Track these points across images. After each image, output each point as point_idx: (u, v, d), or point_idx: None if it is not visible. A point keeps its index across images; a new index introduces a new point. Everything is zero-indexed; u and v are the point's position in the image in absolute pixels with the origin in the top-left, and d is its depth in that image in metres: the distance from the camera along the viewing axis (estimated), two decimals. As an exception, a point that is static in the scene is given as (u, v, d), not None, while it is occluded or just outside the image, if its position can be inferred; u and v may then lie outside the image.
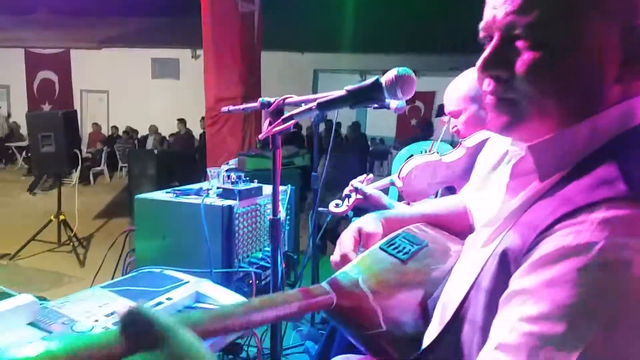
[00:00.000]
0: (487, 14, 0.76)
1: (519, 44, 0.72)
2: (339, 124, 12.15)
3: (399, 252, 1.09)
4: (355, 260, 1.08)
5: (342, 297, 0.95)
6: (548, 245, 0.62)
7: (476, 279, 0.76)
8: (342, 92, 1.19)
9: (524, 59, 0.72)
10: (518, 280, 0.65)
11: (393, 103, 1.21)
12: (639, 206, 0.59)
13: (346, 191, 1.98)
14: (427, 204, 1.72)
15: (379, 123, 13.41)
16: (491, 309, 0.69)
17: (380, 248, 1.11)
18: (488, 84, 0.78)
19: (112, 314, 1.50)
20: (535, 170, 0.76)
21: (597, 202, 0.61)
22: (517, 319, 0.62)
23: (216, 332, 0.64)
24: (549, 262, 0.61)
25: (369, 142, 13.11)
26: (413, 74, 1.08)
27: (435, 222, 1.25)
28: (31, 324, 1.40)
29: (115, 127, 14.42)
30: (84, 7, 10.58)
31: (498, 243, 0.73)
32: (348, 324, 0.85)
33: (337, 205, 1.96)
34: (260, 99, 1.59)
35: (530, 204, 0.73)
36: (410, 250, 1.10)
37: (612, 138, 0.69)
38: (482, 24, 0.77)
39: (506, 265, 0.69)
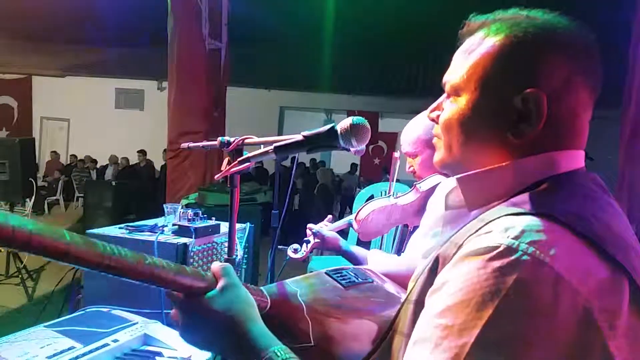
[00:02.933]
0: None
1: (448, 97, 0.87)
2: (313, 161, 12.23)
3: (342, 279, 1.15)
4: (300, 277, 1.14)
5: (278, 304, 0.99)
6: (458, 253, 0.70)
7: (408, 295, 0.82)
8: (299, 137, 1.20)
9: (443, 107, 0.87)
10: (432, 286, 0.73)
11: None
12: (535, 217, 0.68)
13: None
14: (387, 259, 1.75)
15: (344, 161, 13.53)
16: (416, 319, 0.74)
17: (326, 273, 1.16)
18: (433, 126, 0.92)
19: (54, 355, 1.44)
20: (464, 201, 0.86)
21: (502, 216, 0.71)
22: (428, 314, 0.69)
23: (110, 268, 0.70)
24: (456, 263, 0.69)
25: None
26: (367, 124, 1.11)
27: (394, 278, 1.31)
28: (-35, 366, 1.32)
29: (74, 156, 14.11)
30: (48, 34, 10.45)
31: (430, 261, 0.79)
32: (278, 333, 0.84)
33: (295, 251, 1.96)
34: (220, 138, 1.59)
35: (460, 228, 0.79)
36: (354, 280, 1.16)
37: (536, 181, 0.77)
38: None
39: (431, 279, 0.75)
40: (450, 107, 0.84)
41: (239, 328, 0.80)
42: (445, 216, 0.91)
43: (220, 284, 0.84)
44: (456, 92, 0.83)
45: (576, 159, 0.80)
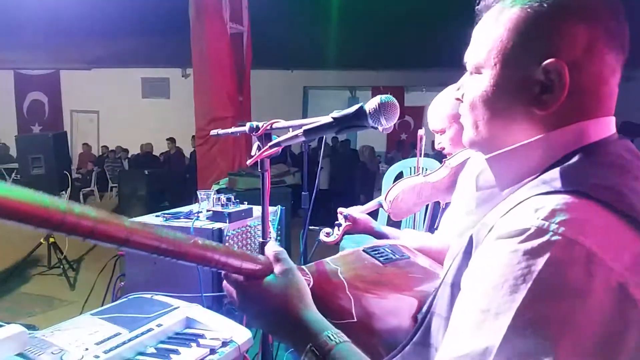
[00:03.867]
0: None
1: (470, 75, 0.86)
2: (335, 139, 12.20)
3: (380, 256, 1.16)
4: (338, 255, 1.17)
5: (321, 282, 1.02)
6: (489, 236, 0.70)
7: (444, 277, 0.83)
8: (328, 119, 1.21)
9: (466, 86, 0.86)
10: (467, 269, 0.73)
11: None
12: (565, 196, 0.67)
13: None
14: (420, 237, 1.75)
15: (370, 137, 13.46)
16: (453, 301, 0.75)
17: (364, 250, 1.17)
18: (459, 104, 0.91)
19: (102, 341, 1.50)
20: (495, 181, 0.85)
21: (532, 196, 0.70)
22: (465, 298, 0.70)
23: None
24: (487, 246, 0.69)
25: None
26: (396, 101, 1.10)
27: (428, 254, 1.32)
28: (20, 354, 1.39)
29: (105, 147, 14.36)
30: (73, 28, 10.60)
31: (464, 243, 0.79)
32: (320, 310, 0.86)
33: (327, 234, 1.96)
34: (249, 123, 1.60)
35: (491, 209, 0.78)
36: (391, 257, 1.17)
37: (567, 154, 0.75)
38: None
39: (466, 260, 0.76)
40: (473, 84, 0.84)
41: (294, 313, 0.83)
42: (478, 197, 0.90)
43: (278, 268, 0.86)
44: (477, 69, 0.83)
45: (606, 127, 0.78)
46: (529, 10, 0.76)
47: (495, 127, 0.82)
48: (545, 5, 0.75)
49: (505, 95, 0.79)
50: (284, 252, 0.89)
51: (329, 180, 10.47)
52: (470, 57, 0.84)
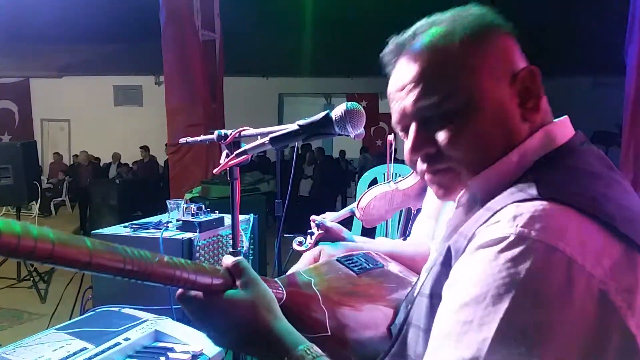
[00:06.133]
0: (395, 111, 0.84)
1: (434, 122, 0.79)
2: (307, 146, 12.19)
3: (354, 266, 1.15)
4: (312, 266, 1.14)
5: (294, 295, 0.98)
6: (470, 246, 0.69)
7: (420, 288, 0.81)
8: (294, 127, 1.20)
9: (442, 132, 0.79)
10: (448, 280, 0.72)
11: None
12: (543, 204, 0.66)
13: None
14: (393, 244, 1.76)
15: (346, 145, 13.51)
16: (432, 312, 0.74)
17: (337, 260, 1.15)
18: (422, 164, 0.84)
19: (66, 358, 1.46)
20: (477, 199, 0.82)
21: (509, 204, 0.69)
22: (447, 309, 0.68)
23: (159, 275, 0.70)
24: (467, 256, 0.69)
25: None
26: (361, 109, 1.10)
27: (399, 260, 1.30)
28: (-21, 373, 1.34)
29: (76, 156, 14.13)
30: (43, 35, 10.44)
31: (442, 254, 0.78)
32: (294, 324, 0.82)
33: (300, 243, 1.94)
34: (217, 131, 1.58)
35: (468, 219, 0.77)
36: (365, 267, 1.16)
37: (537, 159, 0.76)
38: (395, 122, 0.85)
39: (445, 271, 0.74)
40: (455, 135, 0.78)
41: (264, 325, 0.78)
42: (456, 213, 0.88)
43: (241, 280, 0.81)
44: (447, 120, 0.77)
45: (566, 126, 0.81)
46: (469, 37, 0.78)
47: (489, 160, 0.78)
48: (476, 29, 0.79)
49: (498, 127, 0.77)
50: (244, 261, 0.83)
51: (311, 188, 10.45)
52: (426, 110, 0.78)
